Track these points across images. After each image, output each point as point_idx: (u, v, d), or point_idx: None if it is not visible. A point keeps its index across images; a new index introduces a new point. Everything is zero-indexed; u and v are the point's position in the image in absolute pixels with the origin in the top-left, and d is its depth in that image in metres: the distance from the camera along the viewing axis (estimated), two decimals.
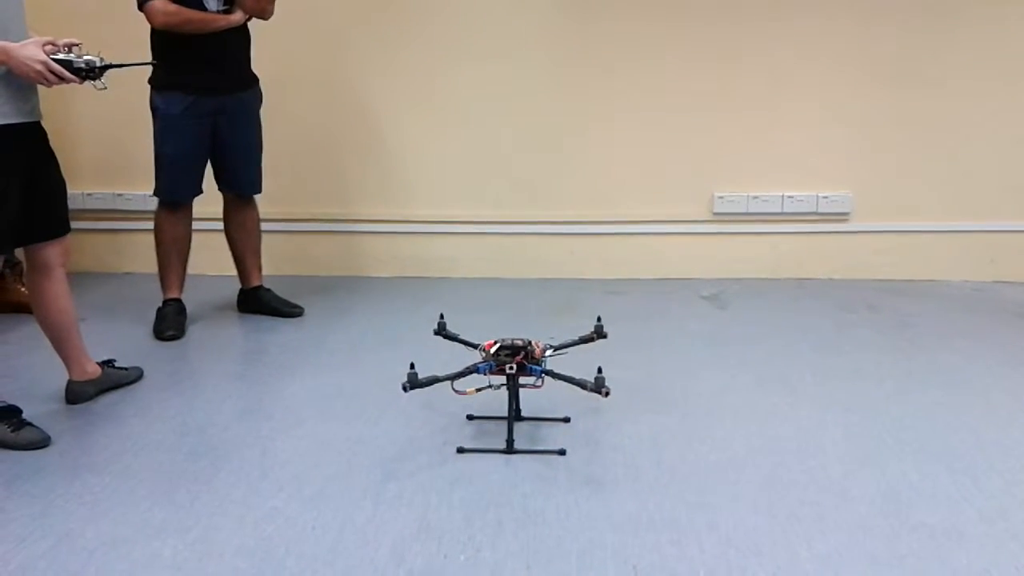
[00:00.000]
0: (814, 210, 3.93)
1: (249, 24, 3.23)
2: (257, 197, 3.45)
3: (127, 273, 4.08)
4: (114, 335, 3.23)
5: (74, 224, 2.58)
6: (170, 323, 3.26)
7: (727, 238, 3.99)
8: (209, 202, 3.34)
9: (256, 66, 3.33)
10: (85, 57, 2.30)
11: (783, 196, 3.93)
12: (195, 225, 3.33)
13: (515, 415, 2.38)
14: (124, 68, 2.42)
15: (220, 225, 3.45)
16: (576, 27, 3.85)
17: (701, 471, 2.22)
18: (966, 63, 3.78)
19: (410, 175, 4.01)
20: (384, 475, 2.20)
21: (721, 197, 3.94)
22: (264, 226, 3.51)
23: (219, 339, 3.27)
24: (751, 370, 2.90)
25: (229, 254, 3.49)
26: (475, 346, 2.41)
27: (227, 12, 3.12)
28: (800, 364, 2.95)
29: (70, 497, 2.10)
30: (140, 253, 3.80)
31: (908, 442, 2.37)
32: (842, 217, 3.95)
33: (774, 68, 3.83)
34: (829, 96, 3.84)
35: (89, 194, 4.02)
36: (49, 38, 2.26)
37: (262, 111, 3.37)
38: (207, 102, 3.15)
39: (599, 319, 2.57)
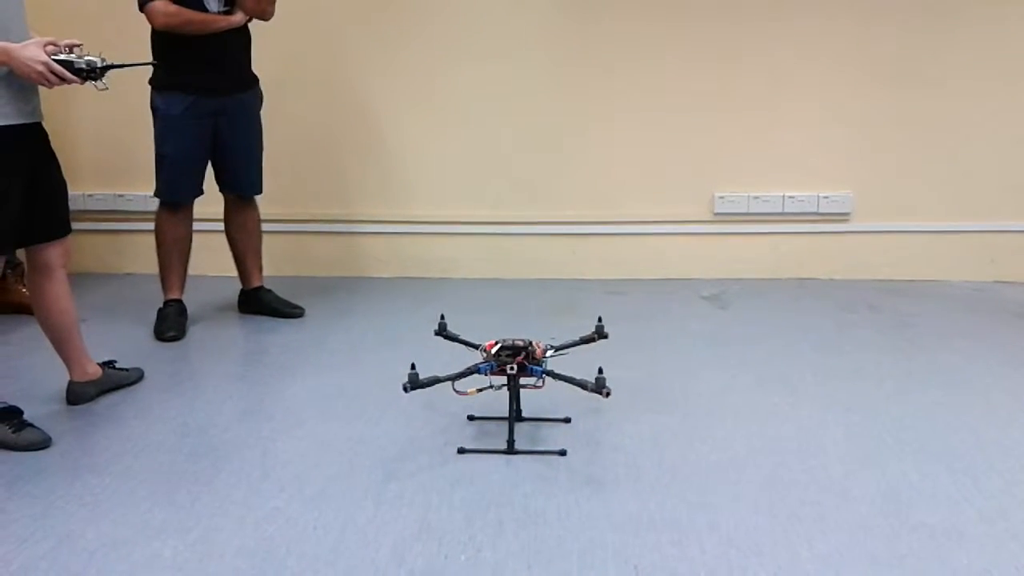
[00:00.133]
0: (815, 210, 3.93)
1: (249, 25, 3.23)
2: (258, 197, 3.45)
3: (128, 274, 4.08)
4: (115, 336, 3.23)
5: (75, 225, 2.58)
6: (171, 324, 3.26)
7: (728, 238, 3.99)
8: (210, 203, 3.34)
9: (256, 67, 3.34)
10: (86, 58, 2.31)
11: (784, 196, 3.93)
12: (196, 226, 3.33)
13: (516, 415, 2.38)
14: (125, 68, 2.42)
15: (221, 226, 3.45)
16: (576, 27, 3.85)
17: (702, 471, 2.22)
18: (966, 63, 3.78)
19: (410, 175, 4.01)
20: (385, 475, 2.20)
21: (722, 197, 3.95)
22: (265, 227, 3.51)
23: (220, 340, 3.27)
24: (752, 370, 2.90)
25: (230, 255, 3.49)
26: (476, 346, 2.41)
27: (228, 13, 3.12)
28: (801, 364, 2.95)
29: (71, 498, 2.10)
30: (141, 254, 3.81)
31: (908, 442, 2.37)
32: (843, 217, 3.95)
33: (774, 68, 3.83)
34: (829, 96, 3.84)
35: (90, 195, 4.03)
36: (50, 39, 2.26)
37: (263, 111, 3.38)
38: (208, 102, 3.15)
39: (600, 319, 2.57)
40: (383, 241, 4.06)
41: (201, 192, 3.29)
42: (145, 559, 1.86)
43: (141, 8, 3.00)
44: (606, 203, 3.98)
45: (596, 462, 2.26)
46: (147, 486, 2.16)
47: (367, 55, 3.90)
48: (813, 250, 3.98)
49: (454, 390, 2.28)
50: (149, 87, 3.17)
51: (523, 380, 2.32)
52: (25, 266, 2.60)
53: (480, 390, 2.31)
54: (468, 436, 2.40)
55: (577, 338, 2.54)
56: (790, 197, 3.93)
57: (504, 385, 2.33)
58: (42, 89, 2.33)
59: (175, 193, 3.24)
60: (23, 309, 3.35)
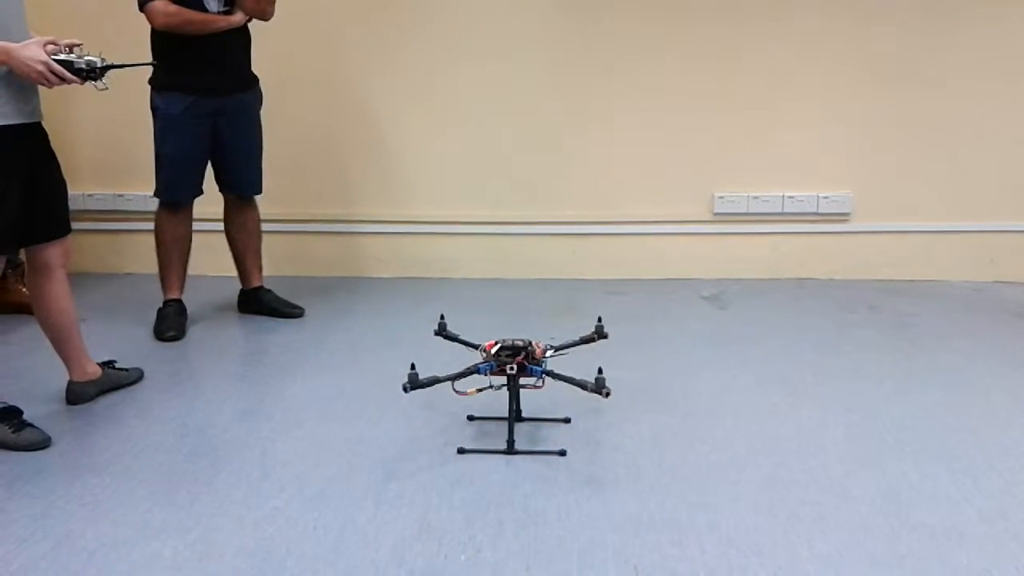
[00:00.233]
0: (814, 210, 3.93)
1: (249, 25, 3.23)
2: (257, 197, 3.45)
3: (128, 274, 4.08)
4: (115, 336, 3.23)
5: (75, 225, 2.58)
6: (171, 324, 3.26)
7: (728, 238, 3.99)
8: (210, 203, 3.34)
9: (256, 66, 3.33)
10: (86, 57, 2.31)
11: (783, 196, 3.93)
12: (195, 226, 3.33)
13: (516, 416, 2.38)
14: (125, 68, 2.42)
15: (221, 226, 3.45)
16: (576, 27, 3.85)
17: (702, 471, 2.22)
18: (966, 63, 3.78)
19: (410, 175, 4.01)
20: (385, 475, 2.20)
21: (721, 197, 3.95)
22: (264, 226, 3.51)
23: (220, 340, 3.27)
24: (752, 370, 2.90)
25: (230, 255, 3.49)
26: (476, 347, 2.41)
27: (228, 13, 3.12)
28: (801, 364, 2.95)
29: (71, 498, 2.10)
30: (141, 254, 3.81)
31: (908, 442, 2.37)
32: (842, 217, 3.95)
33: (774, 68, 3.83)
34: (829, 96, 3.84)
35: (90, 195, 4.03)
36: (50, 38, 2.26)
37: (262, 111, 3.38)
38: (207, 102, 3.15)
39: (600, 319, 2.57)
40: (383, 241, 4.06)
41: (201, 192, 3.29)
42: (145, 559, 1.86)
43: (141, 8, 3.00)
44: (606, 203, 3.98)
45: (596, 462, 2.26)
46: (147, 486, 2.16)
47: (367, 55, 3.90)
48: (813, 250, 3.98)
49: (454, 390, 2.28)
50: (149, 87, 3.17)
51: (523, 380, 2.32)
52: (25, 263, 2.59)
53: (480, 390, 2.31)
54: (468, 436, 2.40)
55: (577, 338, 2.54)
56: (790, 197, 3.93)
57: (504, 385, 2.33)
58: (42, 89, 2.33)
59: (175, 193, 3.24)
60: (23, 309, 3.35)
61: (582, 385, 2.23)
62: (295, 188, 3.96)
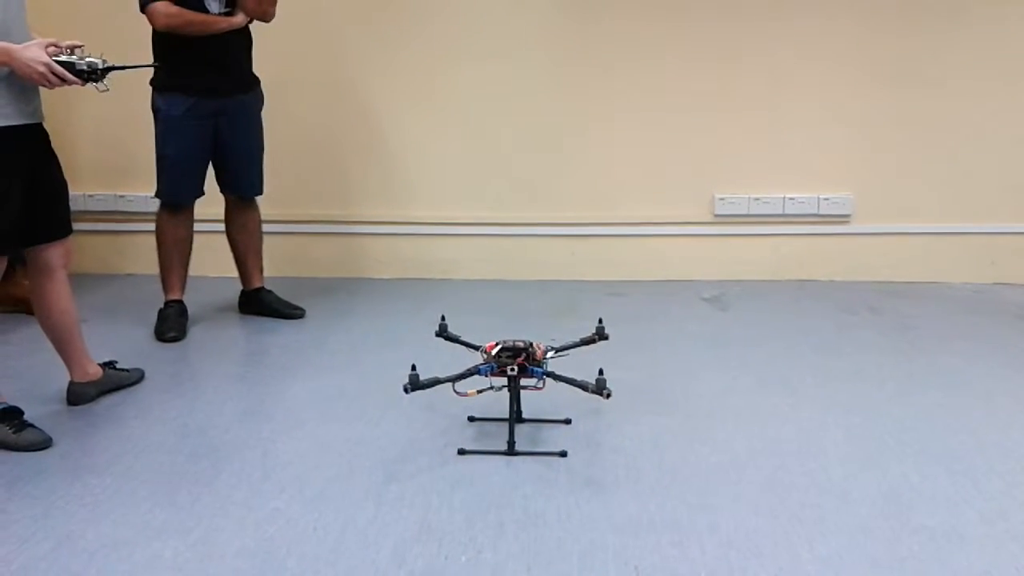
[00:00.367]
0: (815, 212, 3.93)
1: (250, 26, 3.23)
2: (258, 198, 3.45)
3: (128, 274, 4.08)
4: (115, 336, 3.23)
5: (76, 225, 2.58)
6: (171, 324, 3.26)
7: (728, 240, 3.99)
8: (210, 203, 3.34)
9: (257, 68, 3.34)
10: (87, 59, 2.31)
11: (784, 198, 3.93)
12: (196, 226, 3.33)
13: (516, 417, 2.38)
14: (126, 70, 2.42)
15: (222, 226, 3.45)
16: (576, 28, 3.85)
17: (702, 473, 2.22)
18: (966, 64, 3.78)
19: (411, 176, 4.01)
20: (385, 477, 2.20)
21: (722, 199, 3.95)
22: (265, 227, 3.51)
23: (220, 341, 3.27)
24: (752, 372, 2.90)
25: (230, 255, 3.49)
26: (476, 348, 2.41)
27: (229, 14, 3.12)
28: (801, 366, 2.95)
29: (71, 499, 2.10)
30: (142, 254, 3.81)
31: (909, 444, 2.37)
32: (843, 219, 3.95)
33: (774, 69, 3.84)
34: (830, 97, 3.84)
35: (91, 195, 4.03)
36: (51, 40, 2.26)
37: (263, 112, 3.38)
38: (208, 104, 3.15)
39: (600, 321, 2.57)
40: (383, 242, 4.06)
41: (202, 193, 3.29)
42: (146, 560, 1.86)
43: (142, 9, 3.00)
44: (606, 204, 3.98)
45: (596, 463, 2.27)
46: (147, 487, 2.16)
47: (367, 56, 3.90)
48: (813, 252, 3.98)
49: (455, 391, 2.28)
50: (150, 88, 3.17)
51: (523, 381, 2.32)
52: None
53: (481, 391, 2.31)
54: (468, 437, 2.41)
55: (577, 339, 2.54)
56: (790, 199, 3.93)
57: (504, 386, 2.33)
58: (43, 90, 2.33)
59: (176, 194, 3.24)
60: (24, 304, 3.35)
61: (583, 386, 2.23)
62: (296, 189, 3.96)
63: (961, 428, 2.47)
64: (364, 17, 3.88)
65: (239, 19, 3.14)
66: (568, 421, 2.49)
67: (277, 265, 3.75)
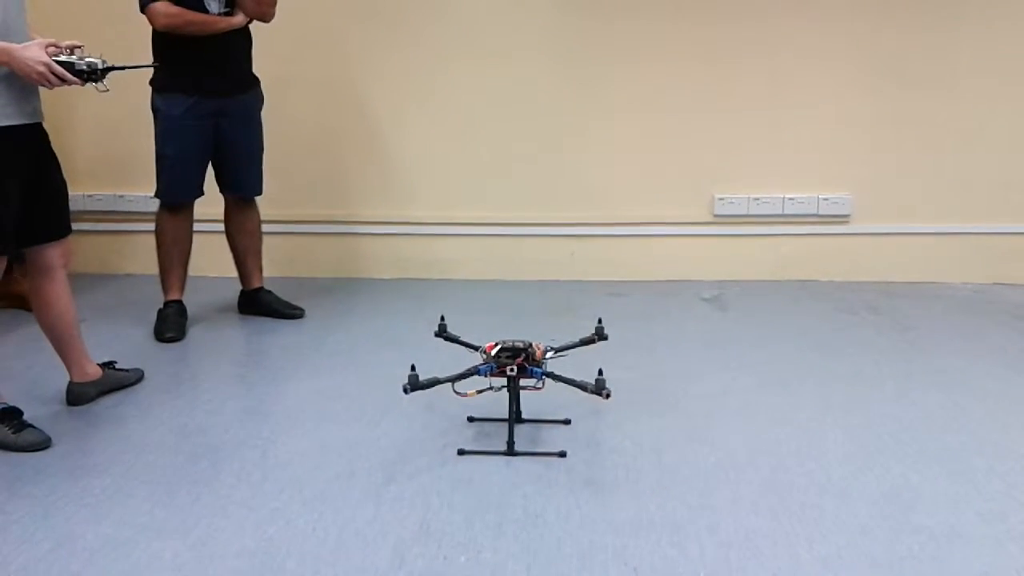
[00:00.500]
0: (815, 212, 3.94)
1: (250, 26, 3.23)
2: (258, 198, 3.45)
3: (128, 274, 4.08)
4: (115, 336, 3.23)
5: (75, 225, 2.58)
6: (171, 325, 3.26)
7: (728, 240, 3.99)
8: (210, 203, 3.34)
9: (257, 67, 3.34)
10: (87, 59, 2.31)
11: (784, 198, 3.93)
12: (196, 227, 3.33)
13: (516, 417, 2.38)
14: (126, 70, 2.43)
15: (221, 227, 3.45)
16: (576, 28, 3.86)
17: (702, 473, 2.22)
18: (966, 64, 3.79)
19: (410, 176, 4.01)
20: (385, 477, 2.20)
21: (722, 199, 3.95)
22: (265, 227, 3.51)
23: (220, 341, 3.27)
24: (752, 372, 2.90)
25: (230, 255, 3.49)
26: (476, 348, 2.41)
27: (228, 14, 3.13)
28: (801, 366, 2.95)
29: (71, 499, 2.10)
30: (141, 254, 3.81)
31: (908, 444, 2.37)
32: (842, 219, 3.95)
33: (774, 69, 3.84)
34: (829, 97, 3.85)
35: (90, 195, 4.03)
36: (51, 40, 2.27)
37: (263, 112, 3.38)
38: (208, 104, 3.15)
39: (600, 321, 2.57)
40: (383, 242, 4.06)
41: (202, 193, 3.29)
42: (145, 560, 1.86)
43: (142, 9, 3.00)
44: (606, 204, 3.98)
45: (596, 464, 2.27)
46: (147, 487, 2.16)
47: (367, 56, 3.90)
48: (813, 252, 3.98)
49: (454, 391, 2.28)
50: (150, 88, 3.17)
51: (523, 381, 2.32)
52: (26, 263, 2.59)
53: (480, 391, 2.31)
54: (468, 438, 2.41)
55: (577, 340, 2.54)
56: (790, 199, 3.93)
57: (504, 387, 2.33)
58: (43, 90, 2.33)
59: (175, 194, 3.24)
60: (23, 303, 3.35)
61: (582, 386, 2.23)
62: (296, 189, 3.96)
63: (960, 428, 2.47)
64: (364, 17, 3.88)
65: (239, 19, 3.14)
66: (567, 421, 2.49)
67: (277, 265, 3.75)
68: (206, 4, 3.07)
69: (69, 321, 2.56)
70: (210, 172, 3.31)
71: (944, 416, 2.55)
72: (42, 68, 2.20)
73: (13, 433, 2.34)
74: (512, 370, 2.27)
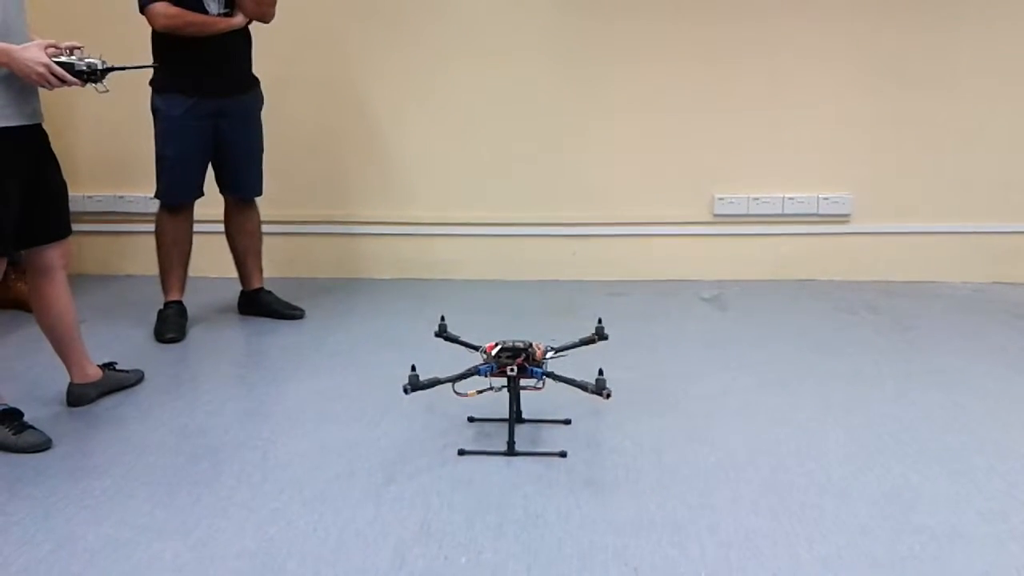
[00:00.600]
0: (814, 211, 3.94)
1: (250, 26, 3.23)
2: (258, 199, 3.45)
3: (128, 275, 4.08)
4: (115, 337, 3.23)
5: (75, 226, 2.58)
6: (171, 325, 3.26)
7: (728, 240, 3.99)
8: (210, 204, 3.34)
9: (257, 68, 3.34)
10: (87, 60, 2.31)
11: (783, 198, 3.93)
12: (196, 227, 3.33)
13: (516, 417, 2.38)
14: (126, 71, 2.42)
15: (221, 227, 3.45)
16: (575, 28, 3.86)
17: (702, 473, 2.22)
18: (966, 64, 3.79)
19: (410, 176, 4.01)
20: (385, 477, 2.20)
21: (721, 199, 3.95)
22: (265, 228, 3.51)
23: (220, 341, 3.27)
24: (752, 372, 2.90)
25: (230, 256, 3.49)
26: (476, 348, 2.41)
27: (228, 15, 3.13)
28: (801, 366, 2.95)
29: (71, 500, 2.10)
30: (141, 255, 3.81)
31: (908, 443, 2.37)
32: (842, 218, 3.95)
33: (774, 69, 3.84)
34: (829, 97, 3.85)
35: (90, 196, 4.03)
36: (51, 41, 2.26)
37: (263, 113, 3.38)
38: (208, 104, 3.15)
39: (600, 321, 2.57)
40: (383, 243, 4.06)
41: (202, 194, 3.29)
42: (146, 561, 1.86)
43: (142, 10, 3.00)
44: (606, 204, 3.98)
45: (596, 464, 2.27)
46: (148, 488, 2.16)
47: (367, 56, 3.91)
48: (813, 251, 3.98)
49: (454, 392, 2.28)
50: (150, 89, 3.17)
51: (523, 382, 2.32)
52: (26, 264, 2.59)
53: (480, 392, 2.31)
54: (468, 438, 2.41)
55: (577, 339, 2.54)
56: (790, 198, 3.93)
57: (504, 387, 2.33)
58: (42, 91, 2.33)
59: (175, 195, 3.24)
60: (21, 305, 3.36)
61: (582, 386, 2.23)
62: (296, 190, 3.96)
63: (961, 428, 2.47)
64: (363, 17, 3.88)
65: (238, 20, 3.14)
66: (568, 421, 2.49)
67: (277, 266, 3.75)
68: (206, 5, 3.07)
69: (69, 322, 2.56)
70: (210, 173, 3.30)
71: (944, 415, 2.55)
72: (42, 69, 2.20)
73: (14, 434, 2.34)
74: (512, 370, 2.27)
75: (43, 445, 2.36)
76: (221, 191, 3.38)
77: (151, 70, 3.04)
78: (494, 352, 2.31)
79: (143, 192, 3.63)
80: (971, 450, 2.33)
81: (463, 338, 2.56)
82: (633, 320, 3.41)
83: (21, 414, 2.41)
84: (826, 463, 2.26)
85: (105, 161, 4.04)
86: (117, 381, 2.74)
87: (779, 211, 3.94)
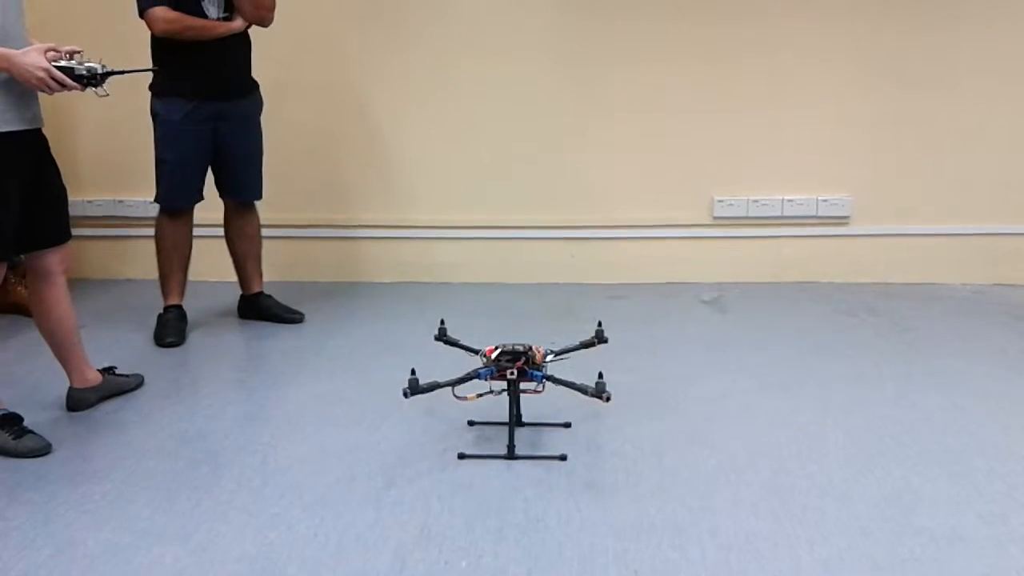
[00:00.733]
0: (814, 214, 3.94)
1: (249, 30, 3.23)
2: (258, 203, 3.45)
3: (128, 280, 4.09)
4: (115, 342, 3.23)
5: (75, 231, 2.58)
6: (171, 330, 3.26)
7: (727, 242, 3.99)
8: (210, 208, 3.34)
9: (256, 72, 3.34)
10: (87, 64, 2.31)
11: (783, 200, 3.93)
12: (196, 231, 3.33)
13: (516, 420, 2.38)
14: (126, 75, 2.43)
15: (221, 231, 3.45)
16: (574, 30, 3.86)
17: (702, 475, 2.22)
18: (965, 64, 3.79)
19: (410, 180, 4.01)
20: (385, 481, 2.20)
21: (721, 201, 3.95)
22: (265, 232, 3.51)
23: (220, 346, 3.27)
24: (752, 374, 2.90)
25: (230, 260, 3.49)
26: (476, 351, 2.41)
27: (227, 19, 3.13)
28: (801, 368, 2.95)
29: (71, 505, 2.10)
30: (141, 259, 3.81)
31: (909, 446, 2.37)
32: (842, 220, 3.95)
33: (773, 71, 3.84)
34: (828, 98, 3.85)
35: (90, 201, 4.03)
36: (51, 45, 2.26)
37: (262, 117, 3.38)
38: (207, 108, 3.15)
39: (600, 324, 2.56)
40: (383, 246, 4.06)
41: (201, 198, 3.29)
42: (146, 566, 1.86)
43: (141, 14, 3.01)
44: (605, 207, 3.98)
45: (596, 467, 2.26)
46: (147, 492, 2.16)
47: (366, 59, 3.91)
48: (812, 253, 3.98)
49: (454, 395, 2.28)
50: (149, 93, 3.17)
51: (523, 385, 2.32)
52: (26, 268, 2.59)
53: (480, 395, 2.31)
54: (468, 441, 2.40)
55: (577, 342, 2.53)
56: (789, 200, 3.94)
57: (504, 390, 2.32)
58: (42, 95, 2.33)
59: (175, 199, 3.24)
60: (21, 309, 3.36)
61: (582, 390, 2.23)
62: (295, 193, 3.97)
63: (961, 430, 2.47)
64: (362, 20, 3.89)
65: (237, 24, 3.14)
66: (568, 425, 2.49)
67: (276, 270, 3.76)
68: (205, 9, 3.07)
69: (69, 327, 2.56)
70: (210, 177, 3.31)
71: (945, 418, 2.55)
72: (42, 74, 2.20)
73: (13, 439, 2.34)
74: (512, 373, 2.27)
75: (43, 450, 2.36)
76: (221, 195, 3.38)
77: (151, 74, 3.04)
78: (494, 356, 2.31)
79: (143, 196, 3.63)
80: (971, 452, 2.33)
81: (463, 342, 2.56)
82: (633, 323, 3.41)
83: (21, 419, 2.41)
84: (826, 465, 2.26)
85: (105, 165, 4.04)
86: (117, 385, 2.74)
87: (778, 213, 3.94)
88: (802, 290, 3.89)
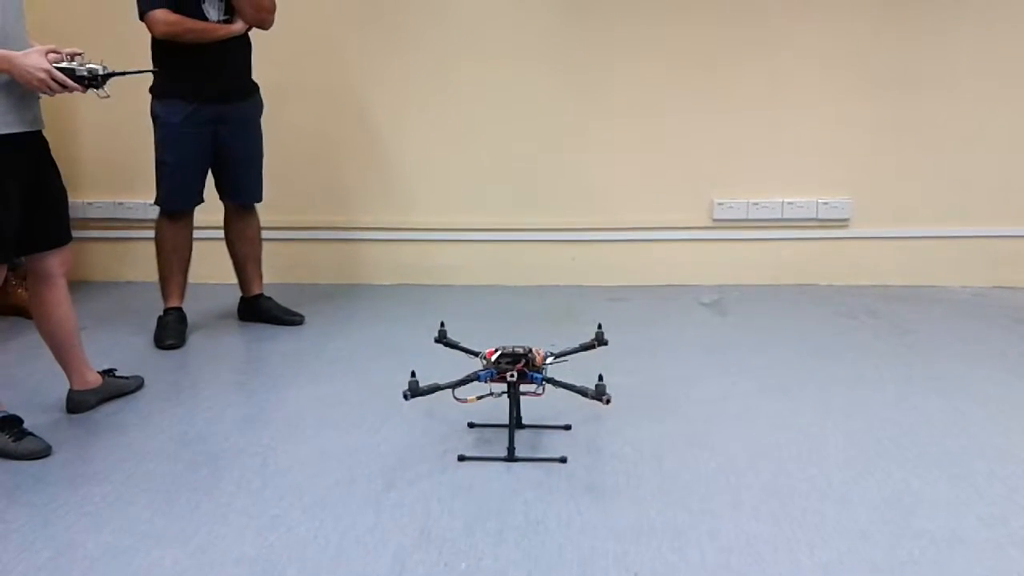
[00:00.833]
0: (814, 216, 3.94)
1: (249, 33, 3.24)
2: (258, 205, 3.45)
3: (128, 282, 4.08)
4: (115, 344, 3.23)
5: (75, 233, 2.58)
6: (171, 332, 3.26)
7: (727, 244, 3.99)
8: (210, 210, 3.35)
9: (256, 74, 3.34)
10: (88, 65, 2.31)
11: (783, 202, 3.93)
12: (196, 234, 3.33)
13: (516, 423, 2.38)
14: (126, 76, 2.43)
15: (221, 234, 3.45)
16: (574, 33, 3.86)
17: (702, 478, 2.22)
18: (965, 67, 3.79)
19: (410, 182, 4.01)
20: (385, 483, 2.20)
21: (721, 203, 3.95)
22: (265, 234, 3.51)
23: (220, 348, 3.27)
24: (752, 377, 2.90)
25: (230, 262, 3.49)
26: (476, 354, 2.41)
27: (228, 22, 3.13)
28: (800, 371, 2.95)
29: (71, 507, 2.10)
30: (141, 262, 3.81)
31: (909, 448, 2.37)
32: (842, 223, 3.95)
33: (773, 73, 3.84)
34: (828, 101, 3.85)
35: (90, 203, 4.03)
36: (52, 47, 2.27)
37: (263, 119, 3.38)
38: (208, 111, 3.15)
39: (600, 326, 2.56)
40: (383, 248, 4.06)
41: (201, 200, 3.29)
42: (146, 568, 1.86)
43: (142, 17, 3.01)
44: (606, 210, 3.98)
45: (597, 469, 2.26)
46: (147, 495, 2.16)
47: (366, 62, 3.91)
48: (812, 256, 3.98)
49: (454, 397, 2.28)
50: (149, 95, 3.17)
51: (523, 387, 2.32)
52: (26, 270, 2.59)
53: (480, 397, 2.31)
54: (468, 443, 2.40)
55: (577, 345, 2.53)
56: (789, 203, 3.94)
57: (504, 392, 2.32)
58: (43, 97, 2.33)
59: (175, 201, 3.24)
60: (21, 312, 3.36)
61: (582, 392, 2.23)
62: (295, 195, 3.97)
63: (961, 432, 2.47)
64: (363, 23, 3.89)
65: (238, 26, 3.14)
66: (568, 427, 2.49)
67: (277, 272, 3.76)
68: (205, 11, 3.07)
69: (69, 329, 2.56)
70: (210, 179, 3.31)
71: (944, 420, 2.55)
72: (42, 75, 2.20)
73: (13, 441, 2.34)
74: (512, 376, 2.27)
75: (43, 452, 2.36)
76: (221, 197, 3.38)
77: (151, 76, 3.04)
78: (494, 358, 2.31)
79: (143, 199, 3.63)
80: (971, 455, 2.33)
81: (463, 344, 2.55)
82: (633, 325, 3.41)
83: (21, 421, 2.41)
84: (826, 468, 2.26)
85: (105, 168, 4.04)
86: (117, 388, 2.74)
87: (778, 216, 3.94)
88: (802, 292, 3.89)
